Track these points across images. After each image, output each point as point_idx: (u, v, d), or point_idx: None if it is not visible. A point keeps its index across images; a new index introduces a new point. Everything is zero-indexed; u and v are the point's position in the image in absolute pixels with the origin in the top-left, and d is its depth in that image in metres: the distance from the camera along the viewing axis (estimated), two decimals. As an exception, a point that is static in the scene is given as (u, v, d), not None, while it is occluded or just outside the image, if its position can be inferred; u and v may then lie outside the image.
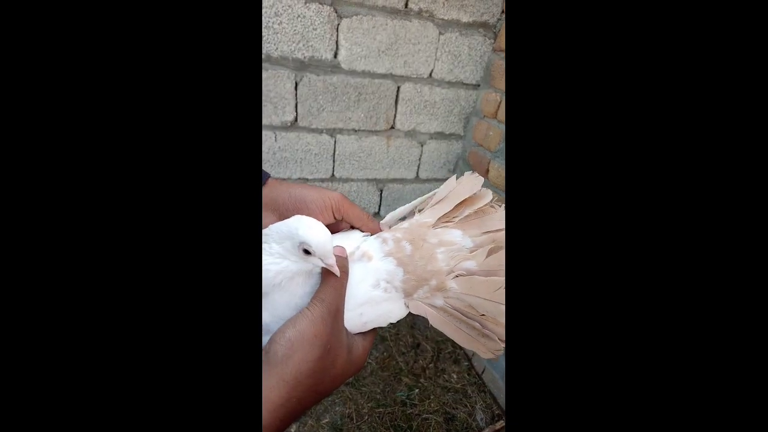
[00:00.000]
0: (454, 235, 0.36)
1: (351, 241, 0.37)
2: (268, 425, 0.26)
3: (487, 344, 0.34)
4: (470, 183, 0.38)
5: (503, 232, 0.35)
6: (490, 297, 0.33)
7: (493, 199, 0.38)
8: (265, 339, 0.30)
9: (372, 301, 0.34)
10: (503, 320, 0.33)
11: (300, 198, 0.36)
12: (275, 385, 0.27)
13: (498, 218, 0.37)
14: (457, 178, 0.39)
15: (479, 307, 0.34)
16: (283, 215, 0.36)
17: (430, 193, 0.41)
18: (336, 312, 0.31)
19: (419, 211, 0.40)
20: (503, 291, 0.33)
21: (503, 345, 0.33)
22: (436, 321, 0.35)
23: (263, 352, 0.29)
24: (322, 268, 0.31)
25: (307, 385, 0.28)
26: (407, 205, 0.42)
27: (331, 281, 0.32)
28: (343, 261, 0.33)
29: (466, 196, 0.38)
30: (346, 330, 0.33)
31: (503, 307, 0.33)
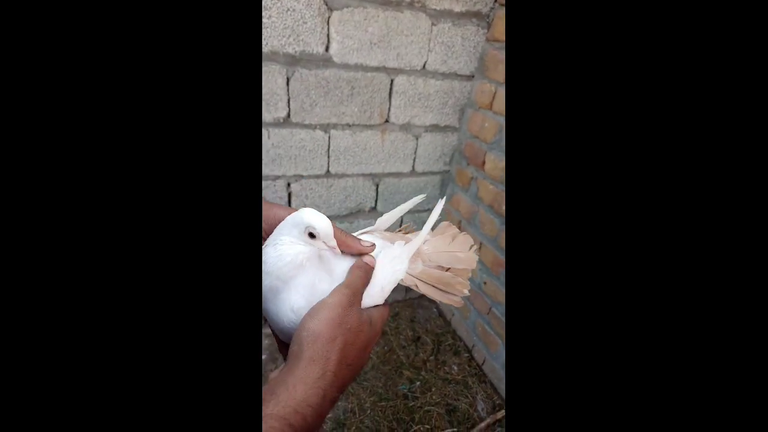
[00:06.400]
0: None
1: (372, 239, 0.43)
2: (320, 414, 0.29)
3: (452, 298, 0.44)
4: (463, 244, 0.45)
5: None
6: (451, 249, 0.44)
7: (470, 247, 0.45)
8: (297, 319, 0.34)
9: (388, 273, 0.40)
10: (461, 269, 0.44)
11: (280, 219, 0.37)
12: (315, 382, 0.29)
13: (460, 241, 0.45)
14: (445, 201, 0.47)
15: (445, 263, 0.43)
16: (266, 232, 0.39)
17: (419, 198, 0.48)
18: (354, 296, 0.35)
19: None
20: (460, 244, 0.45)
21: (464, 293, 0.44)
22: (422, 287, 0.42)
23: (290, 350, 0.32)
24: (354, 262, 0.38)
25: (341, 366, 0.32)
26: (395, 210, 0.46)
27: (358, 271, 0.37)
28: (370, 255, 0.39)
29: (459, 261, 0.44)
30: (361, 307, 0.37)
31: (461, 255, 0.44)
